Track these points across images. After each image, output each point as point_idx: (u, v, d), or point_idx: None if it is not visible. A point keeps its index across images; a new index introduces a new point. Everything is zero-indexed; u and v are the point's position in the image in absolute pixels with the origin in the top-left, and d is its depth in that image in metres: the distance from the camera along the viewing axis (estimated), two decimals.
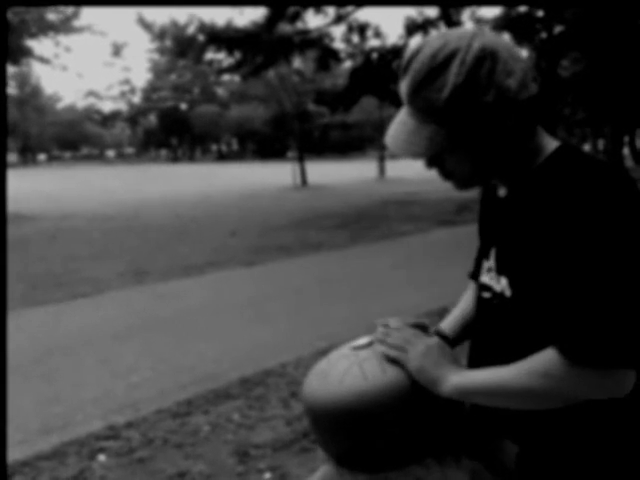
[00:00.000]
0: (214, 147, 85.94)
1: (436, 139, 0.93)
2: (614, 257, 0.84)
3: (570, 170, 0.91)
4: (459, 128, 0.92)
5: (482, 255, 1.10)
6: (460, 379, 0.96)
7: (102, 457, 2.74)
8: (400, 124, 0.97)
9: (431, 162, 0.99)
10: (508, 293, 0.97)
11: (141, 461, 2.69)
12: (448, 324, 1.26)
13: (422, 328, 1.20)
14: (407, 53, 0.95)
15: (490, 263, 1.04)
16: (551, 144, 0.98)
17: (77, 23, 19.53)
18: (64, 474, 2.60)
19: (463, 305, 1.29)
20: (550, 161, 0.95)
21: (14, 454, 2.76)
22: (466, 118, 0.91)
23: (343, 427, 0.99)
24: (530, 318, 0.94)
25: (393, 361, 1.01)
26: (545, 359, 0.88)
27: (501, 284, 0.99)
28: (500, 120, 0.91)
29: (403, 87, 0.95)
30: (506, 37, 21.48)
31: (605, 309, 0.83)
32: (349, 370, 1.01)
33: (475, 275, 1.19)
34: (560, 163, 0.94)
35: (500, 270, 1.00)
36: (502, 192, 1.05)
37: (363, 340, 1.08)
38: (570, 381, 0.86)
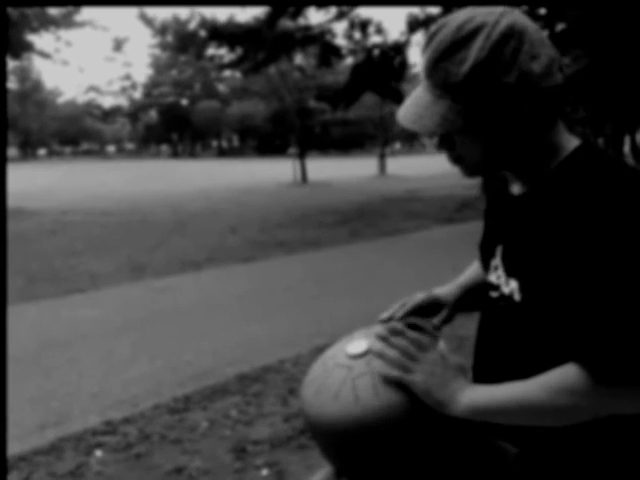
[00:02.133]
0: (215, 143, 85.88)
1: (449, 116, 0.87)
2: (638, 268, 0.79)
3: (591, 173, 0.86)
4: (475, 107, 0.87)
5: (489, 253, 1.05)
6: (473, 398, 0.91)
7: (99, 452, 2.72)
8: (415, 98, 0.92)
9: (442, 142, 0.94)
10: (517, 297, 0.93)
11: (138, 456, 2.67)
12: (451, 290, 1.23)
13: (429, 307, 1.17)
14: (432, 27, 0.91)
15: (497, 262, 1.00)
16: (571, 142, 0.93)
17: (78, 18, 19.51)
18: (61, 469, 2.59)
19: (468, 274, 1.25)
20: (570, 161, 0.91)
21: (10, 449, 2.74)
22: (484, 97, 0.86)
23: (336, 445, 0.98)
24: (541, 325, 0.90)
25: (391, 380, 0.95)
26: (570, 376, 0.84)
27: (510, 287, 0.94)
28: (519, 104, 0.86)
29: (424, 60, 0.90)
30: None
31: (629, 323, 0.79)
32: (342, 389, 0.97)
33: (481, 262, 1.13)
34: (581, 165, 0.89)
35: (509, 272, 0.95)
36: (516, 189, 1.00)
37: (360, 344, 1.03)
38: (599, 400, 0.83)
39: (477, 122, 0.88)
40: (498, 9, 0.88)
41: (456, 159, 0.95)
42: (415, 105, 0.91)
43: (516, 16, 0.87)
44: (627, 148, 24.75)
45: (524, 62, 0.84)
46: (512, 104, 0.86)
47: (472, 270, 1.26)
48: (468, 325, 1.12)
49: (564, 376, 0.84)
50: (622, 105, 19.30)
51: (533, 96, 0.86)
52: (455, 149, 0.94)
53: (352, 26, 17.68)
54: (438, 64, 0.88)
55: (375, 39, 18.20)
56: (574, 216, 0.84)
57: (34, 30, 17.56)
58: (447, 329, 1.27)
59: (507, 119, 0.88)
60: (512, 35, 0.84)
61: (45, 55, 19.92)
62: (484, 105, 0.87)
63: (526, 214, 0.94)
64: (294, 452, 2.65)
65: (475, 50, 0.84)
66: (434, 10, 16.59)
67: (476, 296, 1.19)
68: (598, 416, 0.85)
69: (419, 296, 1.18)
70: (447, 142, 0.94)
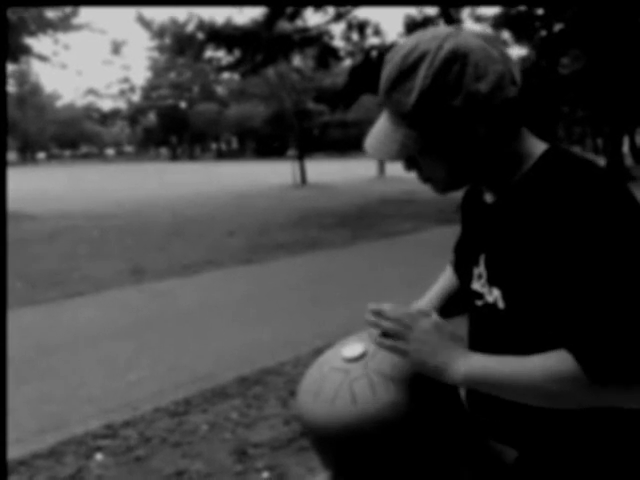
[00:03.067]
0: (213, 145, 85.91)
1: (407, 143, 0.91)
2: (618, 264, 0.80)
3: (559, 177, 0.87)
4: (429, 132, 0.89)
5: (470, 261, 1.06)
6: (471, 367, 0.91)
7: (99, 456, 2.72)
8: (377, 126, 0.95)
9: (409, 165, 0.97)
10: (501, 305, 0.94)
11: (139, 460, 2.67)
12: (428, 303, 1.24)
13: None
14: (387, 55, 0.93)
15: (480, 270, 1.00)
16: (538, 148, 0.94)
17: (76, 21, 19.48)
18: (61, 473, 2.59)
19: (442, 284, 1.26)
20: (537, 167, 0.92)
21: (11, 453, 2.74)
22: (435, 122, 0.88)
23: (333, 450, 0.97)
24: (526, 331, 0.91)
25: (390, 381, 0.95)
26: (566, 366, 0.84)
27: (493, 295, 0.95)
28: (471, 124, 0.88)
29: (379, 90, 0.93)
30: (505, 35, 21.50)
31: (617, 320, 0.80)
32: (339, 393, 0.97)
33: (457, 268, 1.15)
34: (548, 169, 0.90)
35: (492, 281, 0.96)
36: (489, 198, 1.01)
37: (356, 348, 1.02)
38: (588, 393, 0.83)
39: (434, 145, 0.91)
40: (443, 32, 0.89)
41: (425, 179, 0.98)
42: (377, 132, 0.94)
43: (460, 38, 0.88)
44: (626, 148, 24.74)
45: (469, 84, 0.86)
46: (464, 125, 0.88)
47: (444, 280, 1.28)
48: (464, 326, 1.12)
49: (560, 362, 0.85)
50: (621, 105, 19.32)
51: (484, 114, 0.88)
52: (422, 169, 0.97)
53: (350, 28, 17.70)
54: (390, 94, 0.91)
55: (373, 40, 18.20)
56: (545, 221, 0.85)
57: (32, 33, 17.56)
58: None
59: (463, 139, 0.90)
60: (455, 59, 0.86)
61: (43, 58, 19.93)
62: (437, 129, 0.89)
63: (499, 223, 0.96)
64: (295, 454, 2.65)
65: (420, 79, 0.87)
66: (431, 11, 16.63)
67: (453, 304, 1.22)
68: (585, 407, 0.86)
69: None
70: (412, 164, 0.97)
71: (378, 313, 0.99)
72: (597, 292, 0.81)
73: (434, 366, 0.92)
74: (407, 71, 0.88)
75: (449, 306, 1.23)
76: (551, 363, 0.86)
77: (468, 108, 0.87)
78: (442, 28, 0.91)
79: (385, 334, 0.97)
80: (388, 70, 0.90)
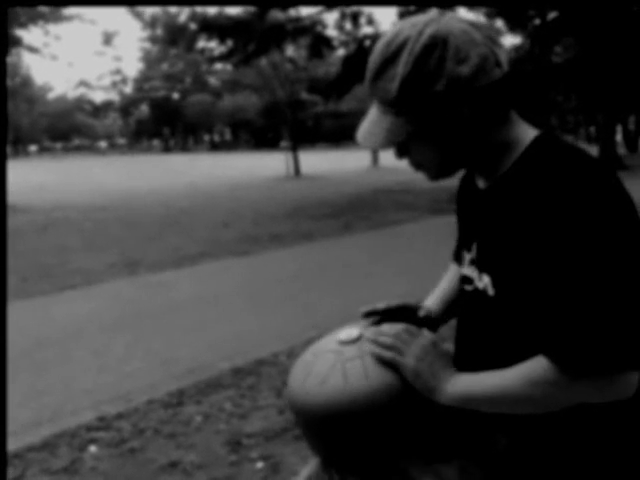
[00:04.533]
0: (207, 137, 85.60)
1: (394, 130, 0.91)
2: (599, 255, 0.80)
3: (549, 165, 0.87)
4: (415, 118, 0.89)
5: (463, 246, 1.07)
6: (457, 388, 0.94)
7: (93, 448, 2.72)
8: (368, 116, 0.96)
9: (399, 152, 0.97)
10: (491, 292, 0.94)
11: (132, 451, 2.67)
12: (432, 303, 1.24)
13: (411, 310, 1.18)
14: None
15: (472, 255, 1.01)
16: (528, 134, 0.93)
17: (66, 11, 19.32)
18: (55, 465, 2.59)
19: (445, 284, 1.27)
20: (528, 154, 0.91)
21: None
22: (419, 108, 0.88)
23: (323, 432, 0.97)
24: (513, 318, 0.91)
25: (383, 363, 0.97)
26: (540, 368, 0.85)
27: (483, 281, 0.96)
28: (455, 109, 0.88)
29: (365, 79, 0.94)
30: (499, 24, 21.43)
31: (591, 313, 0.80)
32: (331, 372, 0.97)
33: (458, 259, 1.16)
34: (538, 157, 0.89)
35: (482, 267, 0.97)
36: (481, 184, 1.01)
37: (352, 332, 1.03)
38: (568, 390, 0.84)
39: (422, 131, 0.91)
40: (425, 18, 0.89)
41: (417, 165, 0.98)
42: (367, 122, 0.95)
43: (442, 23, 0.88)
44: (619, 137, 24.77)
45: (450, 68, 0.85)
46: (449, 109, 0.88)
47: (448, 280, 1.28)
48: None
49: (534, 367, 0.86)
50: (614, 93, 19.32)
51: (468, 98, 0.87)
52: (413, 157, 0.97)
53: (343, 17, 17.63)
54: (375, 83, 0.91)
55: (366, 30, 18.22)
56: (534, 209, 0.85)
57: (22, 25, 17.40)
58: None
59: (449, 123, 0.90)
60: (435, 45, 0.86)
61: (34, 50, 19.76)
62: (422, 115, 0.89)
63: (490, 210, 0.96)
64: (289, 444, 2.65)
65: (401, 66, 0.87)
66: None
67: (456, 304, 1.21)
68: (570, 405, 0.87)
69: (403, 301, 1.19)
70: (403, 151, 0.97)
71: (374, 314, 1.03)
72: (572, 284, 0.81)
73: (426, 384, 0.95)
74: (390, 58, 0.88)
75: (451, 308, 1.23)
76: (528, 369, 0.87)
77: (451, 92, 0.86)
78: (426, 14, 0.91)
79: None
80: (373, 59, 0.91)
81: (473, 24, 0.89)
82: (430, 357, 0.97)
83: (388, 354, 0.97)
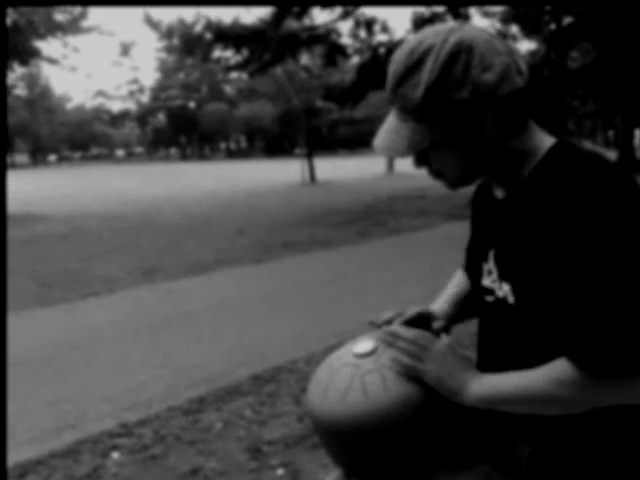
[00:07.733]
0: (223, 145, 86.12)
1: (416, 138, 0.91)
2: (621, 258, 0.81)
3: (567, 172, 0.87)
4: (437, 125, 0.90)
5: (478, 256, 1.07)
6: (481, 388, 0.94)
7: (115, 454, 2.75)
8: (386, 124, 0.96)
9: (419, 161, 0.97)
10: (511, 300, 0.94)
11: (154, 458, 2.70)
12: (441, 306, 1.24)
13: (426, 318, 1.18)
14: (394, 53, 0.94)
15: (490, 266, 1.01)
16: (545, 142, 0.94)
17: (85, 23, 19.59)
18: (78, 472, 2.62)
19: (452, 289, 1.27)
20: (546, 162, 0.92)
21: (28, 453, 2.78)
22: (442, 115, 0.89)
23: (345, 446, 0.97)
24: (535, 325, 0.92)
25: (401, 374, 0.98)
26: (564, 369, 0.86)
27: (503, 290, 0.96)
28: (479, 116, 0.88)
29: (386, 87, 0.94)
30: (514, 30, 21.34)
31: (614, 316, 0.80)
32: (350, 386, 0.97)
33: (468, 267, 1.15)
34: (556, 165, 0.90)
35: (502, 276, 0.97)
36: (499, 193, 1.01)
37: (366, 345, 1.03)
38: (594, 390, 0.85)
39: (443, 139, 0.91)
40: (446, 27, 0.90)
41: (436, 174, 0.98)
42: (386, 131, 0.95)
43: (464, 31, 0.89)
44: (638, 141, 24.45)
45: (476, 75, 0.86)
46: (472, 117, 0.89)
47: (456, 283, 1.28)
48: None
49: (559, 368, 0.87)
50: (631, 98, 19.13)
51: (492, 105, 0.88)
52: (432, 166, 0.97)
53: (357, 25, 17.67)
54: (397, 90, 0.91)
55: (381, 37, 18.23)
56: (553, 216, 0.86)
57: (41, 36, 17.67)
58: (460, 326, 1.28)
59: (471, 131, 0.90)
60: (460, 52, 0.86)
61: (53, 61, 20.06)
62: (445, 122, 0.89)
63: (509, 218, 0.96)
64: (309, 451, 2.66)
65: (426, 73, 0.87)
66: (439, 8, 16.55)
67: (466, 308, 1.23)
68: (595, 406, 0.87)
69: (414, 308, 1.19)
70: (422, 160, 0.97)
71: (394, 334, 1.02)
72: (593, 289, 0.82)
73: (449, 387, 0.96)
74: (413, 66, 0.88)
75: (459, 311, 1.24)
76: (551, 370, 0.88)
77: (476, 99, 0.87)
78: (445, 24, 0.92)
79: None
80: (394, 67, 0.91)
81: (493, 34, 0.90)
82: (450, 360, 0.98)
83: (408, 361, 0.98)
